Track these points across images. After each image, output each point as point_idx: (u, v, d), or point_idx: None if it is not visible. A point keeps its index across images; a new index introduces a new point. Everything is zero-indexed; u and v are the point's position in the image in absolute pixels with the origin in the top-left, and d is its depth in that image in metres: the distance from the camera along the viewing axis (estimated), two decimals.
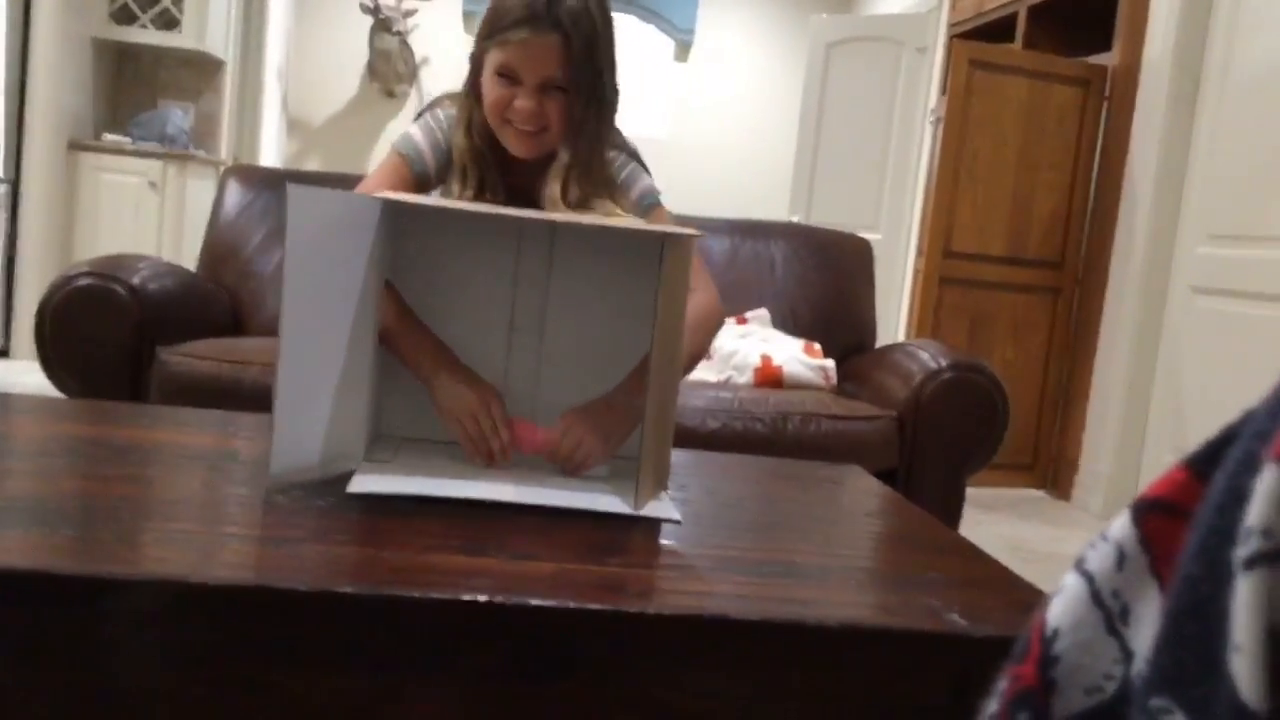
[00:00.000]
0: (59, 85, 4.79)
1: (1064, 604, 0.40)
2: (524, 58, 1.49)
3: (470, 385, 1.33)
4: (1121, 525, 0.39)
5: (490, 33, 1.51)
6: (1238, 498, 0.31)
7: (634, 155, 1.71)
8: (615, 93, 1.60)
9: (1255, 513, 0.30)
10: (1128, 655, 0.38)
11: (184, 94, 5.54)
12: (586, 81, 1.53)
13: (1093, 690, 0.39)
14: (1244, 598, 0.30)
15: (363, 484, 1.16)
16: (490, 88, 1.53)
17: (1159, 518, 0.38)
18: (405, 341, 1.37)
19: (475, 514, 1.12)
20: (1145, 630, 0.37)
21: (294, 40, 7.45)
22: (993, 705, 0.41)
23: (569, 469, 1.32)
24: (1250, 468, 0.31)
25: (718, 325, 1.63)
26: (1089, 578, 0.39)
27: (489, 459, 1.32)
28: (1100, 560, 0.39)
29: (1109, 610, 0.39)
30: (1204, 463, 0.37)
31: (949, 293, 4.21)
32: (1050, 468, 4.33)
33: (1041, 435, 4.32)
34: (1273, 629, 0.29)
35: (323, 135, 7.65)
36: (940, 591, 1.03)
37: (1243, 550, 0.30)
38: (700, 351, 1.58)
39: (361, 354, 1.25)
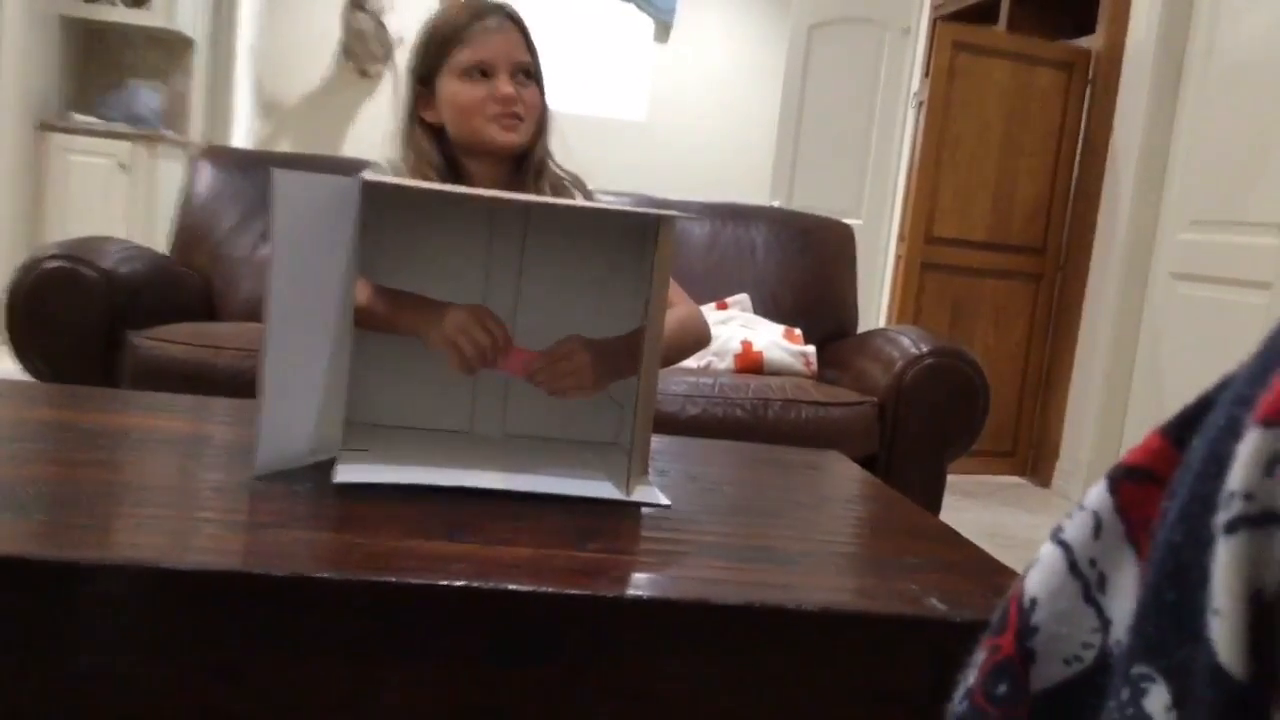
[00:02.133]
0: (26, 64, 4.73)
1: (1042, 574, 0.40)
2: (492, 46, 1.52)
3: (450, 311, 1.30)
4: (1098, 493, 0.39)
5: (441, 45, 1.54)
6: (1218, 462, 0.31)
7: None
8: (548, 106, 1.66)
9: (1237, 476, 0.30)
10: (1106, 624, 0.38)
11: (154, 73, 5.48)
12: (542, 75, 1.59)
13: (1071, 660, 0.39)
14: (1224, 561, 0.29)
15: (349, 474, 1.14)
16: (460, 92, 1.54)
17: (1135, 485, 0.38)
18: (385, 309, 1.34)
19: (457, 500, 1.11)
20: (1123, 599, 0.37)
21: (266, 19, 7.37)
22: (970, 677, 0.41)
23: (555, 385, 1.30)
24: (1232, 432, 0.31)
25: (703, 343, 1.62)
26: (1066, 547, 0.39)
27: (486, 364, 1.28)
28: (1077, 529, 0.39)
29: (1086, 579, 0.39)
30: (1180, 430, 0.37)
31: (931, 278, 4.21)
32: (1031, 454, 4.34)
33: (1022, 422, 4.34)
34: (1253, 592, 0.29)
35: (296, 116, 7.58)
36: (919, 576, 1.02)
37: (1224, 514, 0.30)
38: (676, 359, 1.58)
39: (341, 339, 1.23)
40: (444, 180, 1.57)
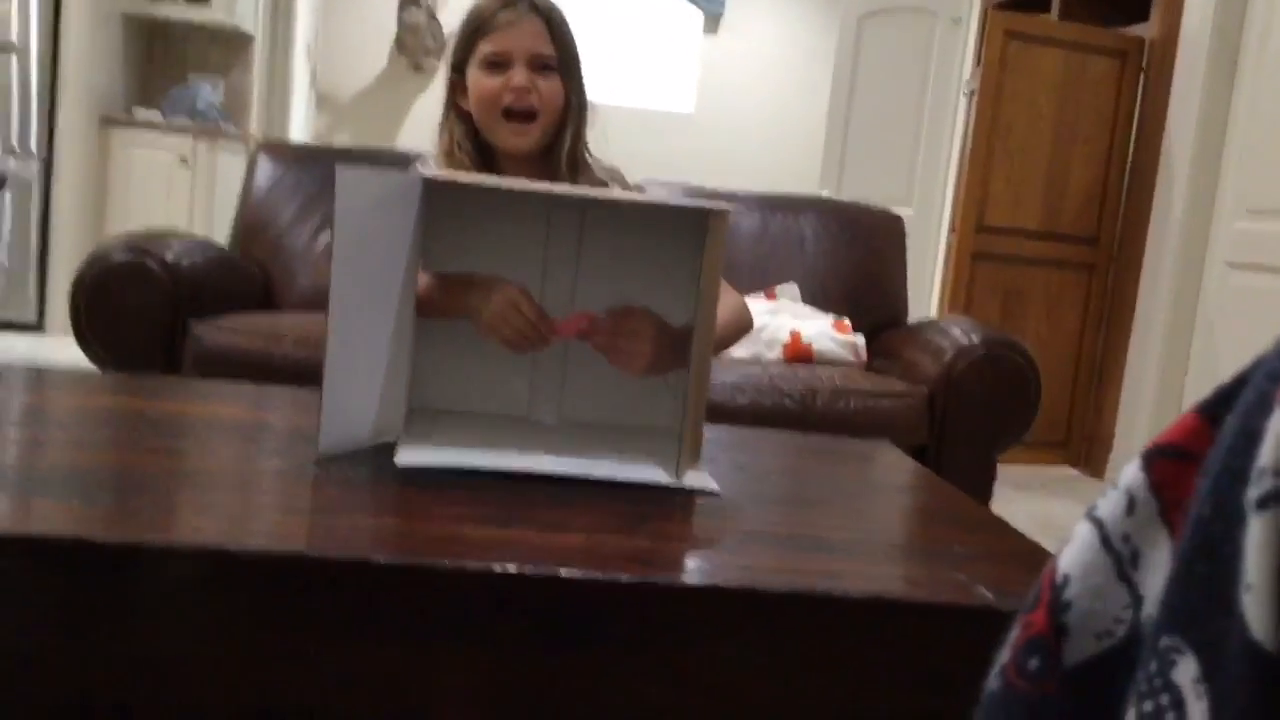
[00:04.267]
0: (90, 61, 4.82)
1: (1075, 551, 0.40)
2: (510, 37, 1.55)
3: (494, 292, 1.32)
4: (1132, 471, 0.39)
5: (470, 34, 1.58)
6: (1250, 438, 0.32)
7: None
8: (587, 99, 1.65)
9: (1268, 452, 0.30)
10: (1138, 600, 0.38)
11: (214, 69, 5.57)
12: (574, 63, 1.60)
13: (1103, 635, 0.39)
14: (1256, 537, 0.30)
15: (410, 456, 1.17)
16: (480, 82, 1.57)
17: (1169, 463, 0.38)
18: (441, 294, 1.38)
19: (511, 485, 1.13)
20: (1155, 575, 0.38)
21: (322, 15, 7.45)
22: (1004, 654, 0.42)
23: (612, 348, 1.31)
24: (1263, 409, 0.31)
25: (746, 329, 1.63)
26: (1099, 524, 0.40)
27: (531, 349, 1.32)
28: (1110, 507, 0.39)
29: (1119, 555, 0.39)
30: (1215, 408, 0.37)
31: (982, 268, 4.18)
32: (1084, 446, 4.30)
33: (1075, 413, 4.29)
34: None
35: (351, 110, 7.66)
36: (968, 566, 1.03)
37: (1255, 490, 0.30)
38: (722, 346, 1.59)
39: (403, 328, 1.26)
40: (476, 166, 1.61)
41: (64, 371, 1.58)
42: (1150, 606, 0.38)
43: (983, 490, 2.31)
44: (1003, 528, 1.20)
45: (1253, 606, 0.30)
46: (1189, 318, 3.83)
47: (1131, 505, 0.39)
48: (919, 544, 1.20)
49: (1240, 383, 0.35)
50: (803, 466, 1.50)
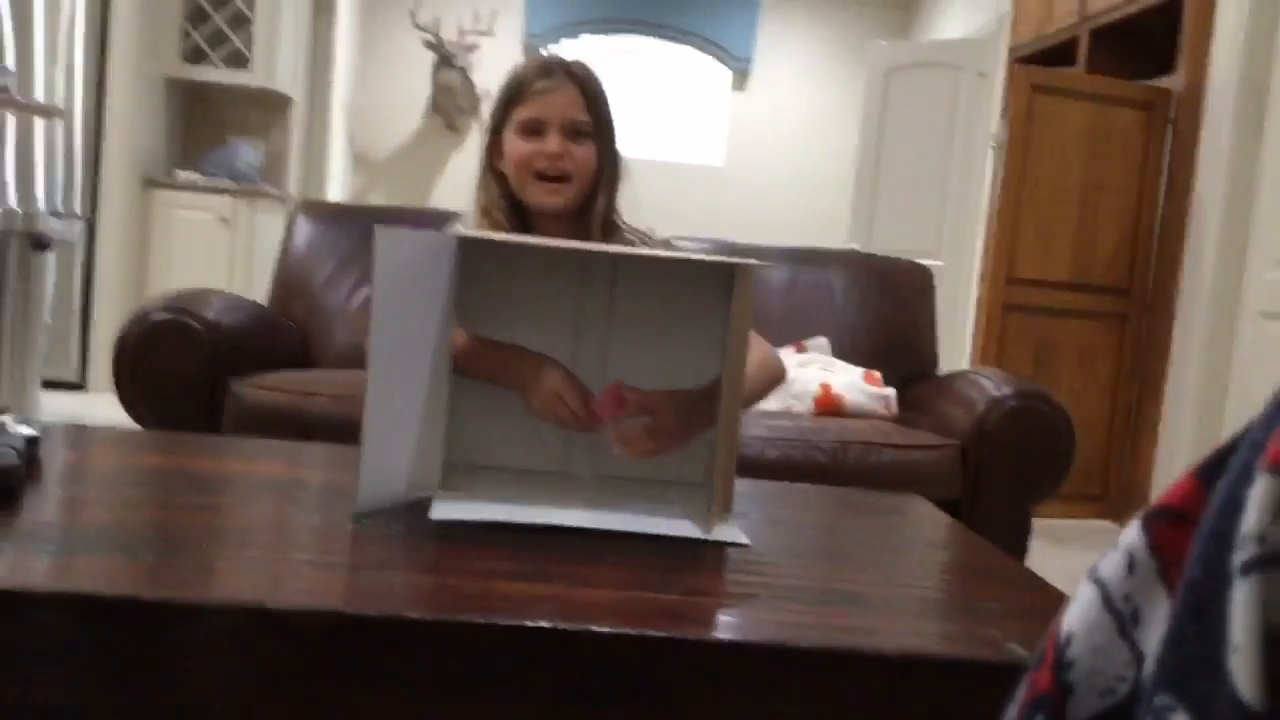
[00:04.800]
0: (133, 124, 4.94)
1: (1078, 610, 0.41)
2: (546, 104, 1.60)
3: (541, 377, 1.37)
4: (1132, 533, 0.40)
5: (508, 99, 1.63)
6: (1235, 505, 0.33)
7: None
8: (621, 162, 1.69)
9: (1250, 519, 0.32)
10: (1139, 658, 0.39)
11: (254, 131, 5.69)
12: (608, 129, 1.65)
13: (1106, 693, 0.40)
14: (1241, 600, 0.31)
15: (444, 510, 1.19)
16: (515, 146, 1.62)
17: (1166, 524, 0.39)
18: (485, 362, 1.41)
19: (545, 538, 1.14)
20: (1155, 633, 0.39)
21: (359, 76, 7.60)
22: (1011, 713, 0.43)
23: (638, 448, 1.34)
24: (1246, 477, 0.33)
25: (778, 380, 1.65)
26: (1101, 584, 0.41)
27: (582, 429, 1.37)
28: (1112, 567, 0.40)
29: (1120, 615, 0.40)
30: (1210, 471, 0.38)
31: (1013, 320, 4.17)
32: (1120, 498, 4.25)
33: (1111, 465, 4.25)
34: (1270, 630, 0.31)
35: (387, 169, 7.78)
36: (1001, 622, 1.03)
37: (1239, 555, 0.32)
38: (755, 398, 1.61)
39: (439, 385, 1.29)
40: (512, 225, 1.65)
41: (105, 429, 1.61)
42: (1150, 665, 0.39)
43: (1018, 544, 2.29)
44: (1037, 583, 1.19)
45: (1239, 666, 0.31)
46: (1224, 368, 3.80)
47: (1131, 565, 0.40)
48: (952, 599, 1.20)
49: (1233, 446, 0.37)
50: (834, 520, 1.50)
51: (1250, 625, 0.31)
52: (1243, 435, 0.36)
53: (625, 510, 1.27)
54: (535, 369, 1.38)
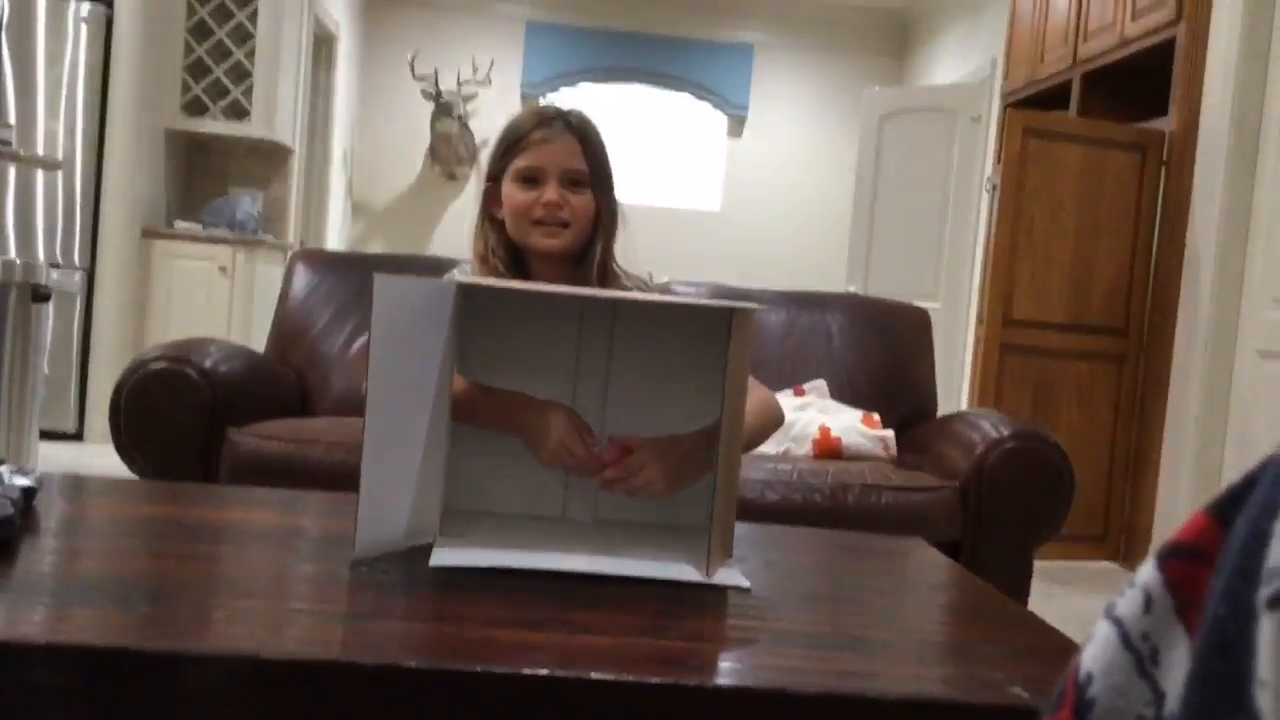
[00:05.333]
0: (133, 175, 4.97)
1: (1096, 649, 0.41)
2: (544, 154, 1.61)
3: (551, 427, 1.37)
4: (1147, 570, 0.40)
5: (506, 149, 1.64)
6: (1260, 539, 0.33)
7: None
8: (618, 210, 1.71)
9: (1277, 553, 0.32)
10: (1159, 696, 0.39)
11: (253, 181, 5.72)
12: (605, 177, 1.66)
13: None
14: (1269, 636, 0.31)
15: (445, 557, 1.18)
16: (513, 195, 1.63)
17: (1182, 562, 0.39)
18: (485, 406, 1.41)
19: (545, 584, 1.13)
20: (1175, 671, 0.38)
21: (358, 126, 7.67)
22: None
23: (622, 488, 1.35)
24: (1271, 511, 0.33)
25: (776, 423, 1.65)
26: (1118, 622, 0.40)
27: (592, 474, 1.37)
28: (1128, 605, 0.40)
29: (1139, 653, 0.40)
30: (1226, 508, 0.38)
31: (1011, 361, 4.17)
32: (1122, 538, 4.23)
33: (1112, 505, 4.24)
34: None
35: (386, 217, 7.83)
36: (1003, 664, 1.02)
37: (1266, 590, 0.32)
38: (754, 442, 1.61)
39: (438, 431, 1.29)
40: (509, 272, 1.66)
41: (102, 479, 1.60)
42: (1172, 703, 0.38)
43: (1019, 586, 2.28)
44: (1039, 625, 1.18)
45: (1267, 702, 0.31)
46: (1222, 407, 3.80)
47: (1149, 603, 0.40)
48: (954, 643, 1.19)
49: (1249, 483, 0.37)
50: (834, 564, 1.49)
51: (1277, 661, 0.31)
52: (1261, 471, 0.36)
53: (625, 555, 1.27)
54: (541, 416, 1.38)
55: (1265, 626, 0.31)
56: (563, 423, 1.36)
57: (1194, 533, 0.39)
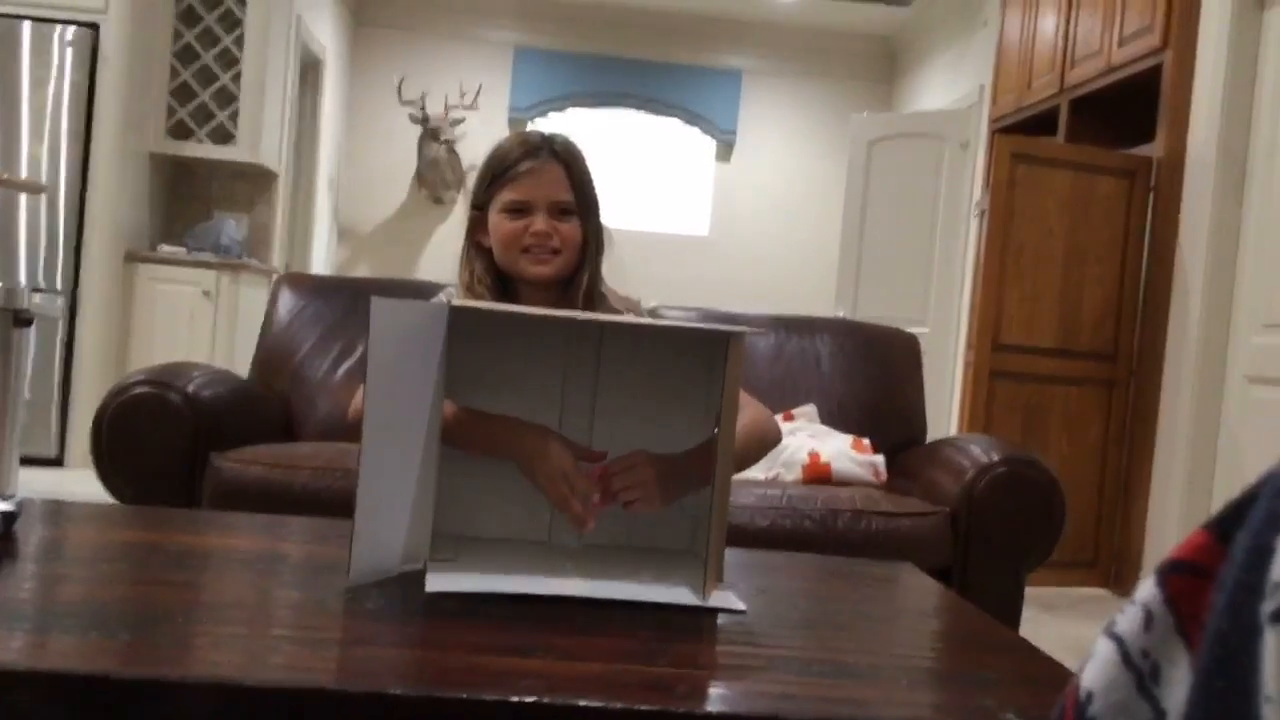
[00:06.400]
0: (117, 199, 4.95)
1: (1096, 667, 0.41)
2: (533, 185, 1.62)
3: (549, 455, 1.35)
4: (1147, 588, 0.40)
5: (493, 179, 1.65)
6: (1262, 554, 0.32)
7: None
8: (605, 235, 1.72)
9: (1278, 568, 0.31)
10: (1160, 714, 0.39)
11: (238, 205, 5.71)
12: (592, 205, 1.67)
13: None
14: (1274, 649, 0.31)
15: (440, 583, 1.17)
16: (501, 225, 1.64)
17: (1182, 578, 0.39)
18: (476, 430, 1.40)
19: (536, 610, 1.12)
20: (1176, 689, 0.38)
21: (344, 150, 7.67)
22: None
23: (620, 498, 1.34)
24: (1273, 525, 0.32)
25: (772, 441, 1.64)
26: (1118, 640, 0.40)
27: (581, 518, 1.33)
28: (1129, 623, 0.40)
29: (1140, 671, 0.39)
30: (1226, 524, 0.38)
31: (1000, 386, 4.18)
32: (1112, 564, 4.23)
33: (1102, 531, 4.23)
34: None
35: (372, 242, 7.82)
36: (995, 691, 1.01)
37: (1270, 604, 0.31)
38: (748, 461, 1.60)
39: (430, 455, 1.27)
40: (496, 298, 1.66)
41: (84, 504, 1.58)
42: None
43: (1010, 612, 2.27)
44: (1030, 651, 1.17)
45: (1273, 717, 0.30)
46: (1212, 432, 3.81)
47: (1149, 620, 0.39)
48: (946, 669, 1.18)
49: (1248, 499, 0.36)
50: (825, 590, 1.48)
51: None
52: (1260, 487, 0.35)
53: (617, 579, 1.25)
54: (538, 442, 1.36)
55: (1269, 640, 0.31)
56: (561, 451, 1.35)
57: (1194, 549, 0.39)
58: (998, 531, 2.24)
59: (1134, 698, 0.39)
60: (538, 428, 1.38)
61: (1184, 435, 3.85)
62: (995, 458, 2.27)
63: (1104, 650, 0.40)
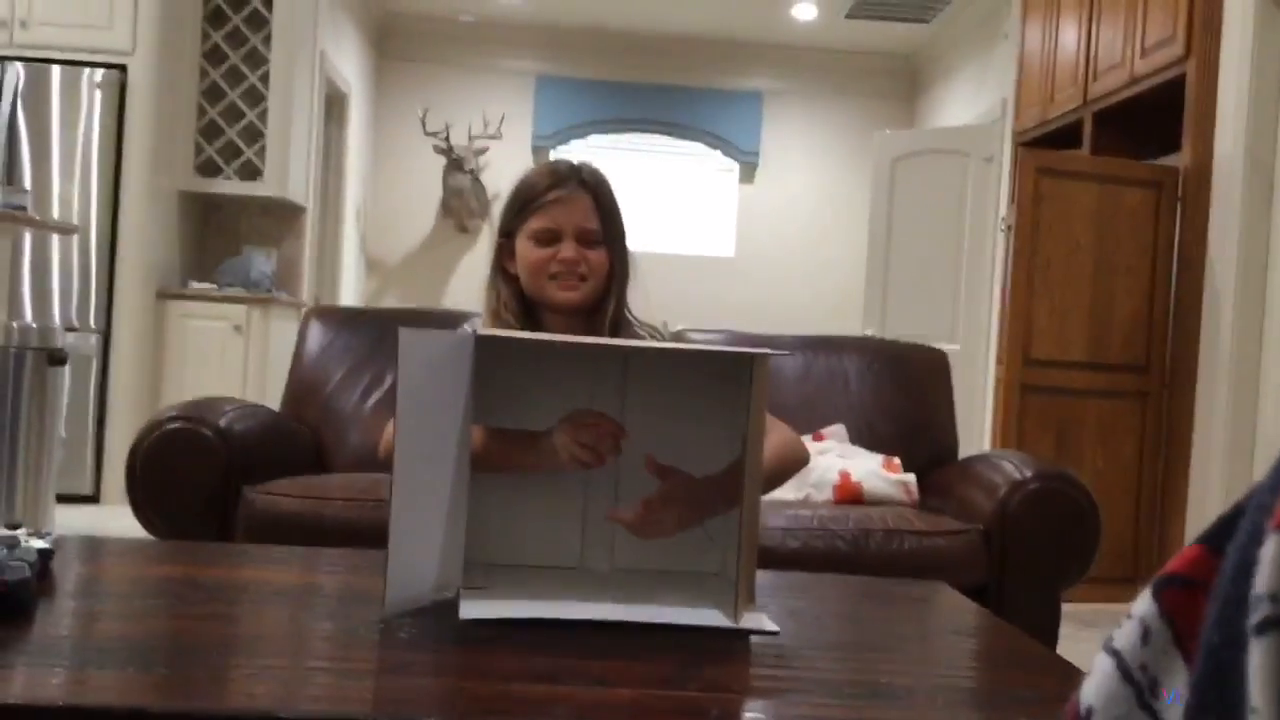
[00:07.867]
0: (148, 238, 5.01)
1: (1095, 683, 0.41)
2: (561, 213, 1.62)
3: (555, 439, 1.35)
4: (1143, 602, 0.40)
5: (521, 207, 1.66)
6: (1247, 567, 0.33)
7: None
8: (631, 262, 1.72)
9: (1262, 580, 0.32)
10: None
11: (267, 240, 5.76)
12: (619, 233, 1.68)
13: None
14: (1257, 661, 0.31)
15: (474, 610, 1.17)
16: (529, 253, 1.65)
17: (1177, 592, 0.39)
18: (498, 450, 1.40)
19: (568, 635, 1.12)
20: (1175, 703, 0.38)
21: (370, 183, 7.74)
22: None
23: (641, 532, 1.34)
24: (1255, 539, 0.33)
25: (800, 463, 1.63)
26: (1117, 655, 0.40)
27: (610, 452, 1.33)
28: (1126, 637, 0.40)
29: (1139, 685, 0.39)
30: (1217, 537, 0.38)
31: (1032, 401, 4.14)
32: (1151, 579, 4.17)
33: (1140, 545, 4.18)
34: None
35: (399, 272, 7.88)
36: (1033, 710, 1.00)
37: (1254, 617, 0.32)
38: (775, 483, 1.59)
39: (460, 484, 1.28)
40: (522, 325, 1.67)
41: (120, 540, 1.60)
42: None
43: (1048, 630, 2.24)
44: (1068, 670, 1.16)
45: None
46: (1248, 441, 3.76)
47: (1146, 635, 0.40)
48: (983, 689, 1.17)
49: (1238, 512, 0.37)
50: (859, 611, 1.47)
51: (1267, 686, 0.31)
52: (1247, 500, 0.36)
53: (649, 602, 1.25)
54: (545, 438, 1.37)
55: (1254, 652, 0.31)
56: (563, 427, 1.34)
57: (1187, 563, 0.39)
58: (1033, 549, 2.22)
59: (1134, 711, 0.39)
60: (544, 431, 1.38)
61: (1220, 445, 3.81)
62: (1028, 474, 2.25)
63: (1103, 665, 0.41)
